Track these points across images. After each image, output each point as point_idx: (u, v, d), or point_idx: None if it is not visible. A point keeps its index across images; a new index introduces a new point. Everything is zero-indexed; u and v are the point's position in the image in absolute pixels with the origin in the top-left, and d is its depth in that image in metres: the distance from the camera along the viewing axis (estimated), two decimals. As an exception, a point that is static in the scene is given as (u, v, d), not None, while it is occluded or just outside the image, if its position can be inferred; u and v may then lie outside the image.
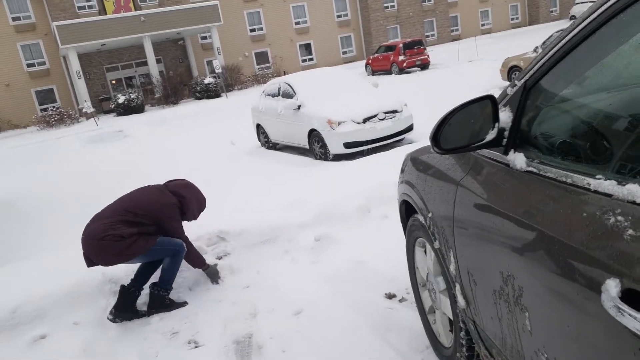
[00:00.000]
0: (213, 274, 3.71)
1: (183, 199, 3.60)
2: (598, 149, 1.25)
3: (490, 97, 1.50)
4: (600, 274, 0.97)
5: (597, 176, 1.08)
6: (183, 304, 3.51)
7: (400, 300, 3.05)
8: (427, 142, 6.13)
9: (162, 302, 3.46)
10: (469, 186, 1.68)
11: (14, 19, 28.36)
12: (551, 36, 11.51)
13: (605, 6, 1.15)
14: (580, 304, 1.06)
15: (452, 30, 39.95)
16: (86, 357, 3.09)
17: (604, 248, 0.99)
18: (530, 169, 1.36)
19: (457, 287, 1.88)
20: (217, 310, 3.32)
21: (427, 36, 37.67)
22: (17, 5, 28.35)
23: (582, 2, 38.60)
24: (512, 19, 43.50)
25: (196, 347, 2.96)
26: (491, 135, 1.50)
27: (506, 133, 1.51)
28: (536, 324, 1.30)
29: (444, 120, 1.49)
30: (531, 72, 1.44)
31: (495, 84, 12.96)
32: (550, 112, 1.45)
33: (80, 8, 28.76)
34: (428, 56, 23.06)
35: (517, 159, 1.42)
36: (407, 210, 2.59)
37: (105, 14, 28.41)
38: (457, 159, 1.86)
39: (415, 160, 2.36)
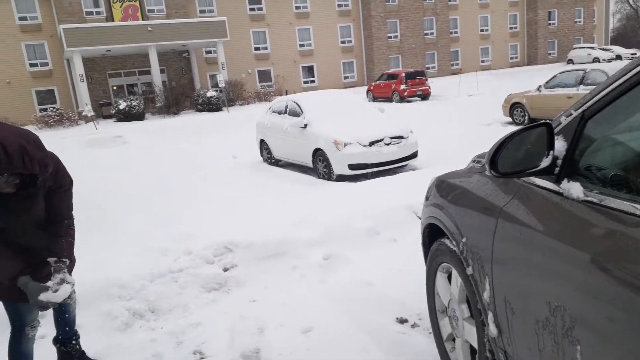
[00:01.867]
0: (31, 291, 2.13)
1: None
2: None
3: (547, 125, 1.50)
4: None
5: (673, 209, 1.08)
6: None
7: (413, 326, 3.01)
8: (431, 169, 6.13)
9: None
10: (513, 213, 1.67)
11: (21, 18, 28.41)
12: (555, 77, 11.72)
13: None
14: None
15: (452, 64, 40.61)
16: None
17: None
18: (588, 198, 1.36)
19: (490, 315, 1.86)
20: (222, 323, 3.25)
21: (428, 68, 38.22)
22: (25, 5, 28.45)
23: (579, 47, 39.66)
24: (511, 58, 44.37)
25: (202, 358, 2.89)
26: (545, 162, 1.50)
27: (559, 161, 1.52)
28: (589, 358, 1.28)
29: (502, 144, 1.49)
30: (590, 102, 1.45)
31: (496, 119, 13.14)
32: (610, 143, 1.46)
33: (88, 13, 28.89)
34: (429, 87, 23.39)
35: (573, 188, 1.42)
36: (430, 235, 2.58)
37: (113, 20, 28.58)
38: (498, 184, 1.86)
39: (446, 184, 2.36)
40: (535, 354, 1.56)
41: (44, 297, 2.09)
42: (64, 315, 2.70)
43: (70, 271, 2.36)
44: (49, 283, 2.14)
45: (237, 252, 4.06)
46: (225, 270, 3.90)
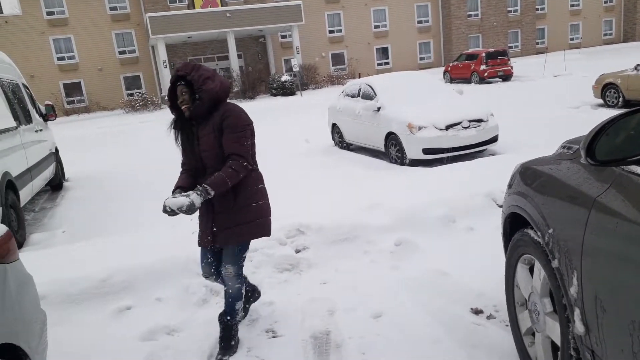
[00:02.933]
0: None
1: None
2: None
3: (653, 107, 1.35)
4: None
5: None
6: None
7: (488, 317, 2.88)
8: (512, 155, 5.82)
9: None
10: (609, 204, 1.52)
11: (111, 8, 30.38)
12: (656, 54, 10.65)
13: None
14: None
15: (537, 43, 38.20)
16: (165, 334, 3.18)
17: None
18: (702, 189, 1.20)
19: (577, 311, 1.73)
20: (294, 303, 3.30)
21: (510, 47, 36.24)
22: (116, -4, 30.39)
23: (687, 21, 35.76)
24: (605, 35, 40.96)
25: (274, 337, 2.96)
26: (650, 149, 1.35)
27: (666, 148, 1.36)
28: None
29: (602, 130, 1.36)
30: None
31: (585, 101, 12.21)
32: None
33: (171, 1, 30.28)
34: (511, 67, 22.18)
35: (683, 178, 1.27)
36: (511, 224, 2.44)
37: (194, 8, 29.70)
38: (591, 172, 1.70)
39: (531, 171, 2.21)
40: (628, 356, 1.43)
41: (166, 201, 2.50)
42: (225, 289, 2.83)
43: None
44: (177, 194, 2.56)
45: (309, 234, 4.10)
46: (297, 252, 3.95)
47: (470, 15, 36.12)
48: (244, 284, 2.86)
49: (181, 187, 2.69)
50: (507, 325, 2.66)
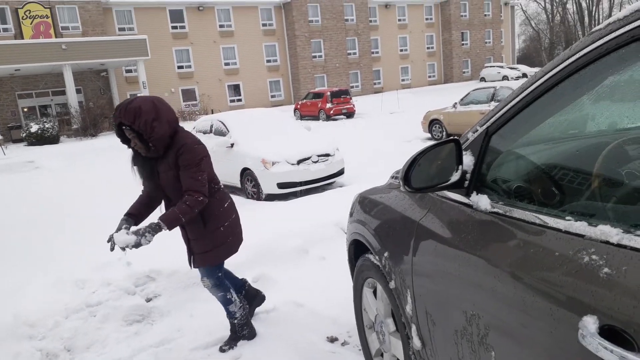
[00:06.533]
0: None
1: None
2: (563, 191, 1.34)
3: (455, 141, 1.57)
4: (577, 311, 1.02)
5: (567, 217, 1.15)
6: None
7: (343, 344, 3.01)
8: (357, 185, 6.24)
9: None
10: (429, 226, 1.73)
11: None
12: (468, 94, 12.46)
13: (565, 64, 1.27)
14: (553, 341, 1.11)
15: (374, 83, 42.05)
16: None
17: (579, 286, 1.05)
18: (495, 210, 1.43)
19: (413, 327, 1.90)
20: (145, 357, 3.07)
21: (352, 87, 39.32)
22: None
23: (490, 66, 42.59)
24: (430, 77, 46.73)
25: (123, 397, 2.71)
26: (455, 177, 1.57)
27: (468, 175, 1.59)
28: (503, 362, 1.33)
29: (414, 161, 1.54)
30: (493, 119, 1.54)
31: (416, 135, 13.71)
32: (512, 157, 1.55)
33: (-7, 30, 27.02)
34: (354, 105, 24.00)
35: (481, 201, 1.49)
36: (355, 251, 2.61)
37: (22, 38, 26.86)
38: (415, 199, 1.91)
39: (368, 200, 2.40)
40: (456, 363, 1.60)
41: (114, 236, 2.55)
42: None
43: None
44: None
45: (160, 280, 3.88)
46: (148, 300, 3.71)
47: (315, 57, 38.47)
48: (227, 289, 3.04)
49: (131, 215, 2.78)
50: (360, 350, 2.80)
